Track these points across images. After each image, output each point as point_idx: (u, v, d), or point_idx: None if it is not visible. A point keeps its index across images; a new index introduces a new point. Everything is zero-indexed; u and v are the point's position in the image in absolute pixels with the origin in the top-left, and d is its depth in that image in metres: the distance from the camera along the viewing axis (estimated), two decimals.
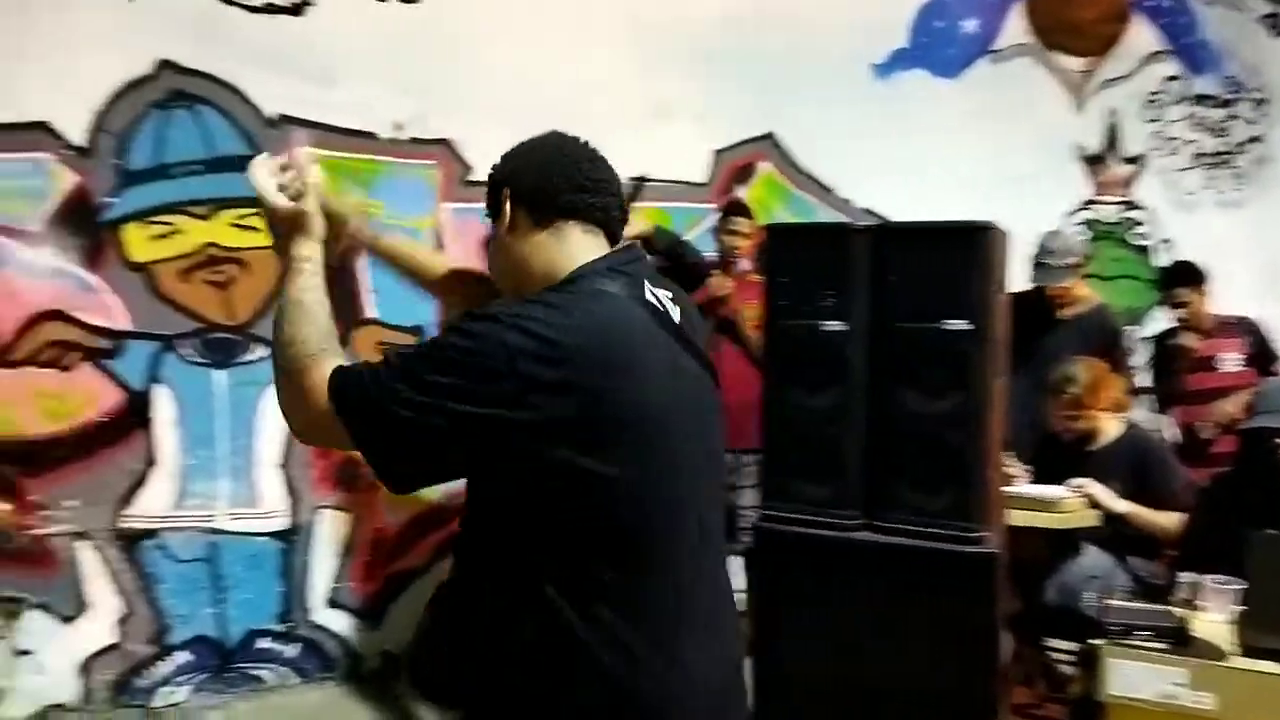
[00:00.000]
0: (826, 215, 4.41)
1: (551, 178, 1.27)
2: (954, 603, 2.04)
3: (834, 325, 2.13)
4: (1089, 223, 5.15)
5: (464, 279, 1.65)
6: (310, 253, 1.29)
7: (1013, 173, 4.67)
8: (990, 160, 4.64)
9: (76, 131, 3.18)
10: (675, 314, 1.25)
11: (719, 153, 4.29)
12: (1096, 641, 2.06)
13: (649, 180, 4.12)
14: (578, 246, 1.25)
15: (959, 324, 2.00)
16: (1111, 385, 3.19)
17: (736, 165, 4.33)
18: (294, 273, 1.28)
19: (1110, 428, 3.20)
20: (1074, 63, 5.08)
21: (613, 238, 1.30)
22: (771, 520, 2.20)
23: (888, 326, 2.10)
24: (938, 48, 4.73)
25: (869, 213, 4.50)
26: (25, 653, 3.19)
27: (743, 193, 4.32)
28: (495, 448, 1.09)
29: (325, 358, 1.17)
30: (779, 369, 2.21)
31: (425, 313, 3.71)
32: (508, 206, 1.27)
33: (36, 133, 3.13)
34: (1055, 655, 3.59)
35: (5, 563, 3.15)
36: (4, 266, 3.11)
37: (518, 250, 1.27)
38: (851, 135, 4.47)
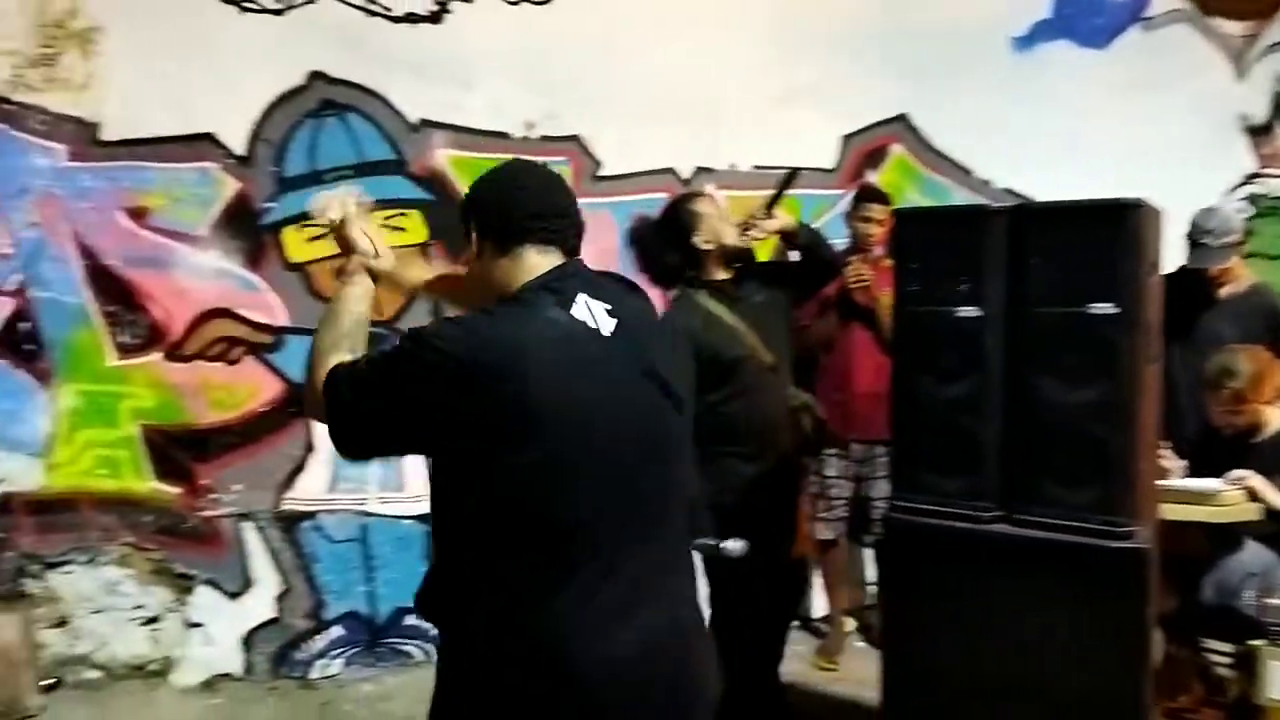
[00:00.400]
0: (963, 198, 4.26)
1: (510, 209, 1.46)
2: (1100, 601, 1.95)
3: (968, 311, 2.07)
4: (1253, 198, 4.77)
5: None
6: (354, 269, 1.61)
7: (1168, 147, 4.37)
8: (1144, 135, 4.37)
9: (238, 141, 3.44)
10: (607, 325, 1.39)
11: (848, 137, 4.22)
12: (1255, 642, 1.94)
13: (775, 168, 4.10)
14: (529, 267, 1.43)
15: (1105, 308, 1.91)
16: (1276, 375, 2.97)
17: (866, 149, 4.25)
18: (339, 286, 1.60)
19: (1274, 419, 2.98)
20: (1235, 27, 4.71)
21: (570, 252, 1.47)
22: (902, 512, 2.17)
23: (1026, 312, 2.02)
24: (1083, 17, 4.48)
25: (1010, 193, 4.33)
26: (196, 625, 3.48)
27: (874, 177, 4.24)
28: (422, 438, 1.39)
29: (331, 355, 1.43)
30: (909, 357, 2.17)
31: None
32: (474, 237, 1.48)
33: (204, 143, 3.39)
34: (1212, 657, 3.38)
35: (178, 542, 3.44)
36: (175, 269, 3.39)
37: (485, 273, 1.48)
38: (990, 113, 4.30)
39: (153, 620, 3.42)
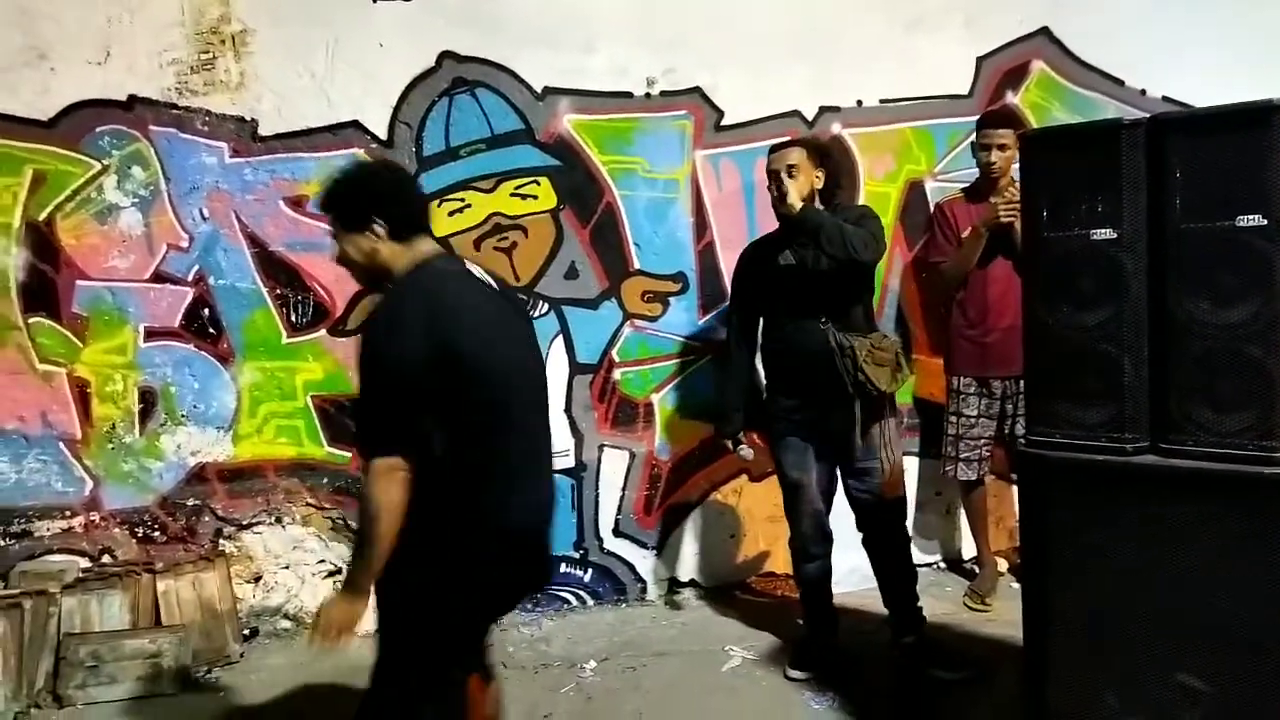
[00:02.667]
0: (1115, 112, 3.98)
1: (411, 203, 2.08)
2: (1259, 531, 1.83)
3: (1104, 233, 1.96)
4: None
5: None
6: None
7: None
8: None
9: (380, 126, 3.64)
10: (491, 280, 1.92)
11: (982, 59, 4.01)
12: None
13: (904, 100, 3.96)
14: (424, 249, 2.03)
15: (1254, 219, 1.77)
16: None
17: (1005, 70, 4.03)
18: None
19: None
20: None
21: (430, 232, 2.08)
22: (1039, 446, 2.09)
23: (1168, 229, 1.90)
24: None
25: (1168, 101, 4.02)
26: None
27: (1015, 99, 4.02)
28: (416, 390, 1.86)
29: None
30: (1042, 285, 2.07)
31: (685, 260, 3.87)
32: (374, 230, 1.99)
33: (349, 130, 3.62)
34: None
35: (353, 501, 3.73)
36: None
37: (380, 258, 2.01)
38: (1140, 13, 4.00)
39: (335, 573, 3.75)
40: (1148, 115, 1.99)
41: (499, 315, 2.04)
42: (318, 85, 3.59)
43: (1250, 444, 1.83)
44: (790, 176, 2.94)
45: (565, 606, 3.90)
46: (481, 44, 3.68)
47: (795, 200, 2.89)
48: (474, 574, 1.94)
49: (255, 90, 3.57)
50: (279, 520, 3.70)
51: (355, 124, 3.63)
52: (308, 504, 3.71)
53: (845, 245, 2.83)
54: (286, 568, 3.72)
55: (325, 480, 3.71)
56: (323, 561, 3.75)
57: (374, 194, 2.02)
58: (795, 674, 3.15)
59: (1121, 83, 4.10)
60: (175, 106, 3.52)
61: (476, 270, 1.99)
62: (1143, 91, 4.10)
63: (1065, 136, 2.14)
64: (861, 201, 3.85)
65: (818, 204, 3.01)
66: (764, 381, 3.25)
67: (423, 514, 1.88)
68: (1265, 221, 1.76)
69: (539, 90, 3.72)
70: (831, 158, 3.06)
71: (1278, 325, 1.78)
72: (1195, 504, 1.89)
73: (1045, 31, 4.05)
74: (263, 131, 3.58)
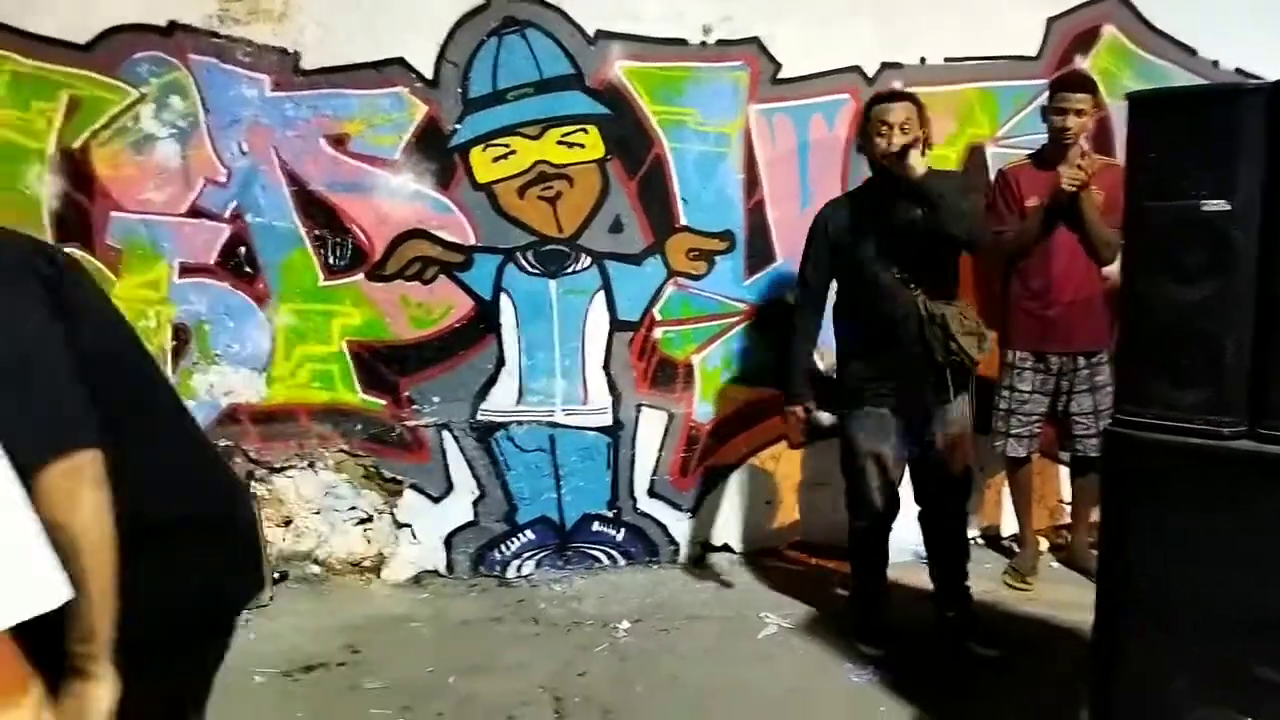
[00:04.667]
0: (1186, 81, 3.83)
1: None
2: None
3: (1216, 205, 1.85)
4: None
5: None
6: None
7: None
8: None
9: (426, 64, 3.51)
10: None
11: (1052, 20, 3.85)
12: None
13: (970, 59, 3.81)
14: None
15: None
16: None
17: (1075, 33, 3.87)
18: None
19: None
20: None
21: None
22: (1128, 425, 2.00)
23: None
24: None
25: (1241, 73, 3.86)
26: (404, 526, 3.74)
27: (1084, 63, 3.87)
28: None
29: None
30: (1145, 257, 1.97)
31: (734, 218, 3.75)
32: None
33: (394, 68, 3.49)
34: None
35: (386, 449, 3.69)
36: (374, 192, 3.54)
37: None
38: None
39: (366, 520, 3.71)
40: (1269, 82, 1.86)
41: None
42: (364, 18, 3.46)
43: None
44: (904, 133, 2.78)
45: (597, 565, 3.85)
46: None
47: (919, 163, 2.72)
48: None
49: (299, 21, 3.44)
50: (311, 465, 3.64)
51: (401, 61, 3.50)
52: (341, 450, 3.65)
53: (965, 227, 2.76)
54: (318, 513, 3.68)
55: (359, 427, 3.65)
56: (354, 509, 3.70)
57: None
58: (869, 650, 3.06)
59: (1194, 52, 3.94)
60: (216, 35, 3.39)
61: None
62: (1215, 63, 3.94)
63: (1178, 100, 2.01)
64: None
65: (922, 164, 2.80)
66: (832, 349, 3.14)
67: None
68: None
69: (591, 34, 3.58)
70: (928, 120, 2.91)
71: None
72: None
73: None
74: (305, 65, 3.46)
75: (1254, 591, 1.87)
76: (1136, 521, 2.00)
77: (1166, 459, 1.95)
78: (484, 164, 3.57)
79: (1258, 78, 3.68)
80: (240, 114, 3.44)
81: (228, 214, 3.49)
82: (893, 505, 3.09)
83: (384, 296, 3.59)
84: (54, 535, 1.00)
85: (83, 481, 1.18)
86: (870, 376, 2.98)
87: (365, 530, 3.72)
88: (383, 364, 3.63)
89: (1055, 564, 3.81)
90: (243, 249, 3.51)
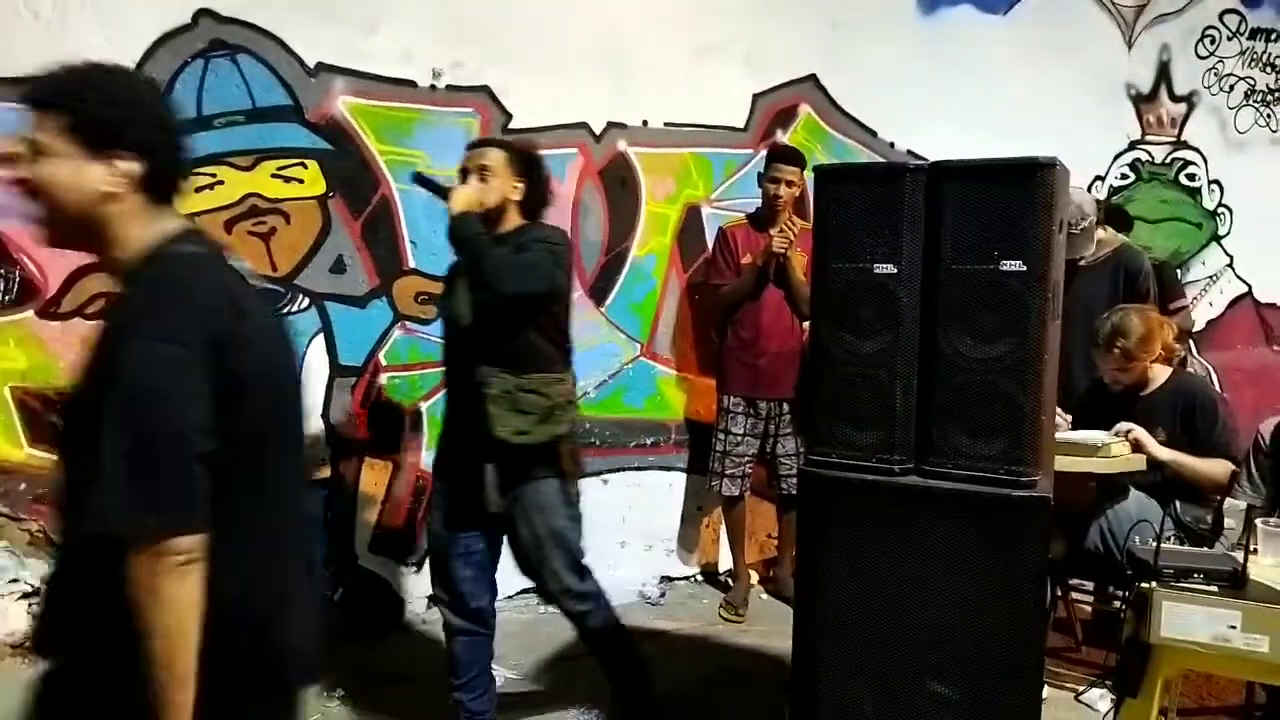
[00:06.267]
0: (869, 159, 4.34)
1: (166, 138, 1.35)
2: (1005, 548, 2.02)
3: (885, 268, 2.10)
4: (1136, 164, 5.02)
5: None
6: None
7: (1062, 113, 4.55)
8: (1039, 101, 4.53)
9: None
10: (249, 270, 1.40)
11: (758, 96, 4.21)
12: (1146, 585, 2.05)
13: (688, 126, 4.07)
14: (169, 218, 1.35)
15: (1015, 265, 1.96)
16: (1163, 334, 3.13)
17: (777, 108, 4.26)
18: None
19: (1160, 374, 3.15)
20: None
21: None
22: (817, 465, 2.19)
23: (941, 269, 2.06)
24: None
25: (912, 154, 4.43)
26: None
27: (784, 137, 4.26)
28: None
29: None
30: (828, 314, 2.18)
31: None
32: (121, 160, 1.29)
33: None
34: (1090, 601, 3.60)
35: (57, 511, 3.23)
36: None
37: (108, 211, 1.30)
38: (896, 76, 4.37)
39: (31, 594, 3.21)
40: (929, 163, 2.14)
41: (277, 331, 1.43)
42: (43, 27, 3.09)
43: (1000, 468, 2.01)
44: (482, 179, 2.52)
45: None
46: (247, 6, 3.33)
47: (457, 202, 2.45)
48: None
49: None
50: None
51: None
52: (1, 514, 3.15)
53: (483, 268, 2.38)
54: None
55: (23, 486, 3.17)
56: (15, 581, 3.20)
57: (133, 113, 1.29)
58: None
59: (875, 134, 4.47)
60: None
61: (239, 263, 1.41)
62: (891, 144, 4.49)
63: (856, 173, 2.27)
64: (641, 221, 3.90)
65: (516, 219, 2.58)
66: None
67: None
68: (1025, 268, 1.95)
69: (311, 65, 3.44)
70: (539, 171, 2.65)
71: (1030, 362, 1.97)
72: (951, 522, 2.05)
73: (813, 78, 4.33)
74: None
75: (925, 611, 2.10)
76: (824, 551, 2.19)
77: (848, 493, 2.15)
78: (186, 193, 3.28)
79: (923, 159, 4.28)
80: None
81: None
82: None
83: (59, 337, 3.17)
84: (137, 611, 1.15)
85: (167, 571, 1.17)
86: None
87: (30, 605, 3.22)
88: (57, 414, 3.19)
89: (765, 595, 4.07)
90: None
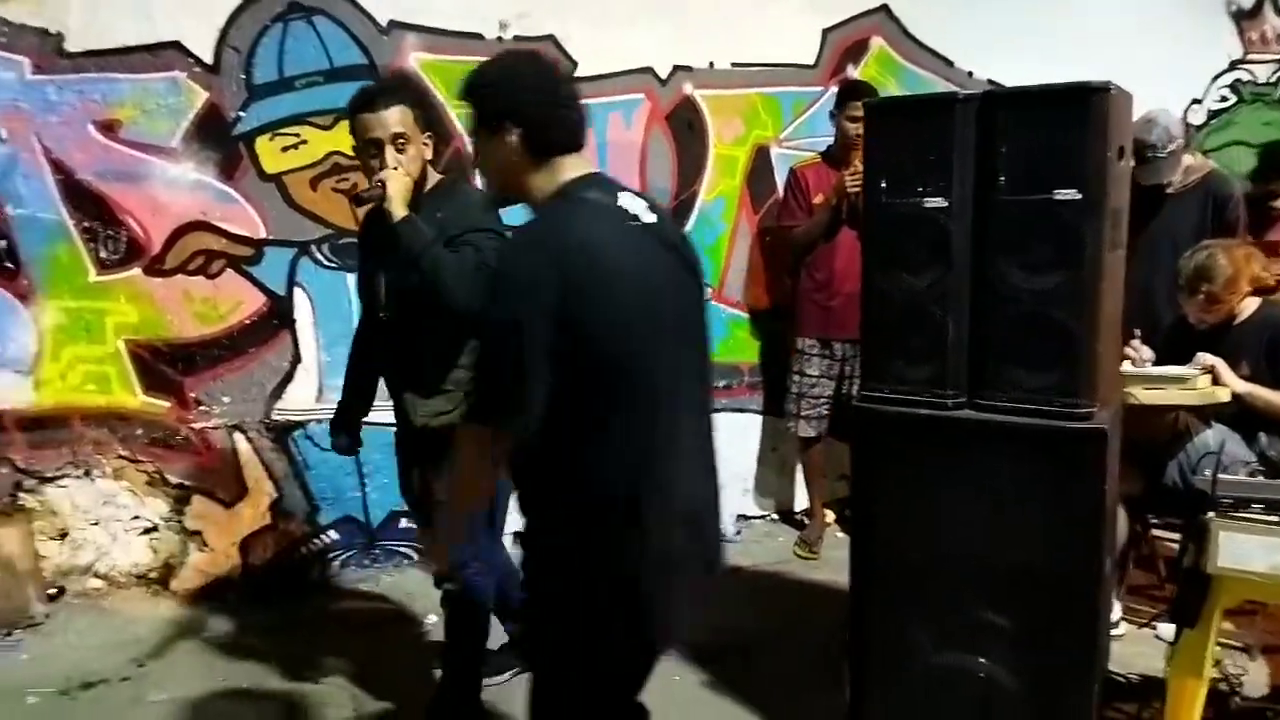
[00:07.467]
0: (946, 90, 4.22)
1: (542, 104, 1.60)
2: (1061, 480, 2.02)
3: (935, 201, 2.08)
4: (1237, 84, 4.73)
5: None
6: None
7: (1153, 32, 4.31)
8: (1127, 19, 4.30)
9: (205, 49, 3.36)
10: (649, 216, 1.61)
11: (827, 31, 4.13)
12: (1208, 515, 2.02)
13: (754, 65, 4.03)
14: (566, 168, 1.61)
15: (1068, 194, 1.92)
16: (1251, 268, 2.98)
17: (847, 43, 4.17)
18: None
19: (1248, 306, 3.02)
20: None
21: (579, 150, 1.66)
22: (871, 401, 2.22)
23: (992, 200, 2.04)
24: None
25: (992, 84, 4.29)
26: (193, 533, 3.57)
27: (855, 72, 4.18)
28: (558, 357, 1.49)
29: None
30: (880, 250, 2.18)
31: None
32: (509, 134, 1.58)
33: (170, 52, 3.31)
34: (1169, 534, 3.52)
35: (172, 454, 3.50)
36: (150, 182, 3.36)
37: (515, 175, 1.62)
38: (972, 3, 4.22)
39: (151, 529, 3.51)
40: (980, 92, 2.10)
41: (651, 261, 1.59)
42: (139, 3, 3.27)
43: (1054, 400, 2.00)
44: (400, 151, 2.21)
45: (406, 563, 3.82)
46: None
47: (397, 203, 2.16)
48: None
49: (63, 1, 3.21)
50: (87, 473, 3.41)
51: (176, 45, 3.33)
52: (120, 456, 3.44)
53: (440, 280, 2.11)
54: (96, 524, 3.45)
55: (140, 432, 3.45)
56: (137, 518, 3.50)
57: (512, 89, 1.59)
58: None
59: (951, 64, 4.34)
60: None
61: (628, 199, 1.60)
62: (970, 74, 4.35)
63: (905, 107, 2.25)
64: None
65: (432, 175, 2.36)
66: None
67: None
68: (1079, 196, 1.92)
69: (384, 23, 3.54)
70: (433, 110, 2.36)
71: (1083, 292, 1.95)
72: (1006, 456, 2.06)
73: (885, 9, 4.22)
74: (70, 47, 3.22)
75: (976, 542, 2.12)
76: (878, 485, 2.23)
77: (901, 428, 2.18)
78: (272, 154, 3.46)
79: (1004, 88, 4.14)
80: None
81: None
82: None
83: (164, 292, 3.41)
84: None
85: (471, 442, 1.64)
86: None
87: (150, 540, 3.53)
88: (165, 364, 3.45)
89: (840, 534, 4.11)
90: (3, 242, 3.24)
